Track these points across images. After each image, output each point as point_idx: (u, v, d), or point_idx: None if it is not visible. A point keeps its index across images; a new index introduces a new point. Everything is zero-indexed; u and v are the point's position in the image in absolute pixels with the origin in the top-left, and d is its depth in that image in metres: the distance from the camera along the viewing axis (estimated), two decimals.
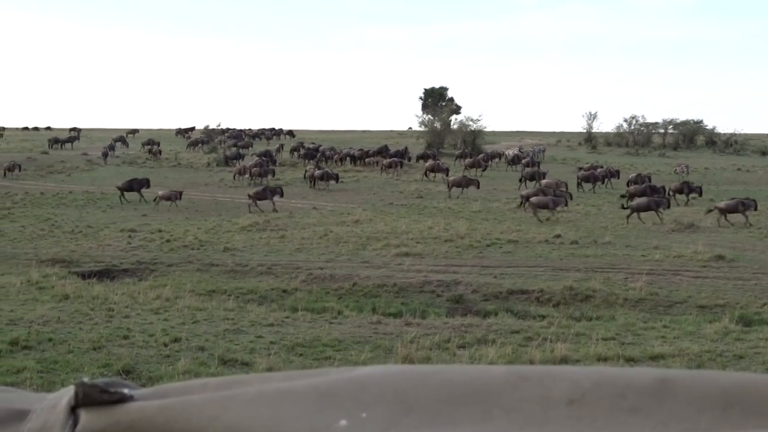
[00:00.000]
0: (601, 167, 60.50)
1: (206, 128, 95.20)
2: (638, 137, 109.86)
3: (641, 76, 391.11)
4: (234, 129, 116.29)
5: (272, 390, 0.71)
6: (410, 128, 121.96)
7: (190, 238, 33.65)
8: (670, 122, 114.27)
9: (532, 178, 54.20)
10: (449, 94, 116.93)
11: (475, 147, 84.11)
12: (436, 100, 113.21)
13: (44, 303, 21.61)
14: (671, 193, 46.31)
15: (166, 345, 17.54)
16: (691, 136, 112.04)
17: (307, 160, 71.59)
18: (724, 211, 37.81)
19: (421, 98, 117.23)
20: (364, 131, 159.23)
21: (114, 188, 49.09)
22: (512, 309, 22.53)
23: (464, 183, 50.65)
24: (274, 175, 59.12)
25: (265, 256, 29.93)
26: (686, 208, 43.60)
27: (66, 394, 0.75)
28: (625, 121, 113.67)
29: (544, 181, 50.57)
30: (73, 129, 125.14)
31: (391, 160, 65.77)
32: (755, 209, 38.65)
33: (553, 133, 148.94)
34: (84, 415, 0.73)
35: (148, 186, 48.50)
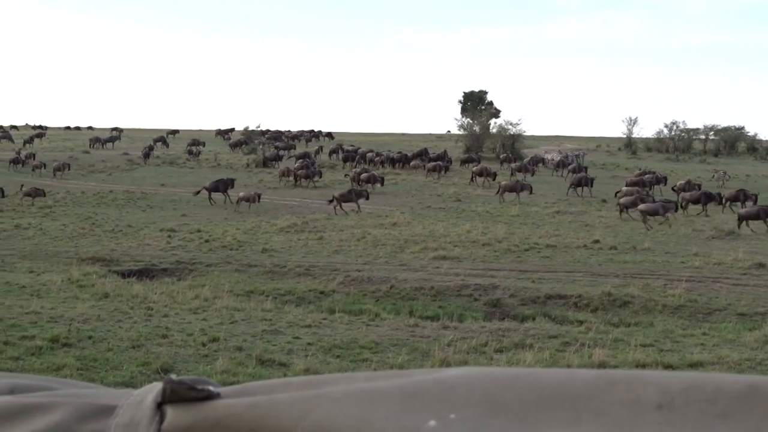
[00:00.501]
0: (654, 173, 59.81)
1: (246, 129, 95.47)
2: (679, 143, 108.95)
3: (682, 82, 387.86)
4: (273, 130, 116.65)
5: (358, 390, 0.71)
6: (449, 131, 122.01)
7: (229, 239, 33.80)
8: (711, 128, 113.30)
9: (579, 184, 53.54)
10: (489, 97, 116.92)
11: (514, 151, 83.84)
12: (475, 103, 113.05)
13: (84, 301, 21.79)
14: (726, 200, 45.68)
15: (204, 344, 17.62)
16: (732, 142, 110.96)
17: (346, 163, 71.64)
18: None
19: (460, 101, 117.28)
20: (402, 134, 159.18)
21: (153, 188, 49.42)
22: (550, 314, 22.46)
23: (518, 188, 50.11)
24: (321, 177, 58.98)
25: (303, 257, 30.00)
26: (725, 215, 43.16)
27: (152, 391, 0.76)
28: (666, 126, 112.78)
29: (624, 188, 49.76)
30: (115, 129, 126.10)
31: (435, 163, 65.35)
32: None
33: (593, 138, 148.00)
34: (170, 412, 0.73)
35: (233, 186, 48.57)
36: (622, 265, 28.64)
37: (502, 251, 31.21)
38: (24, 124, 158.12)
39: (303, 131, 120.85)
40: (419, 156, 74.23)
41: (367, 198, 44.77)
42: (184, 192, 49.97)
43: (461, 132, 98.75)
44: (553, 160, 74.18)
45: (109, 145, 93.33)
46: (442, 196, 51.37)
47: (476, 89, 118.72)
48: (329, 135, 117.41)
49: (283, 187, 56.14)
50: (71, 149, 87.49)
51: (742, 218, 37.68)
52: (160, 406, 0.74)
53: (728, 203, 45.36)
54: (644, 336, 19.33)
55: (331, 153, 79.96)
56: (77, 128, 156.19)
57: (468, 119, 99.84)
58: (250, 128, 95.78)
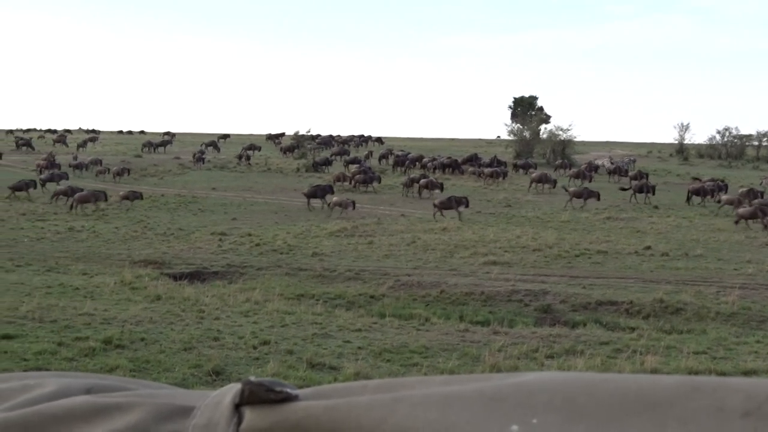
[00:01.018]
0: (720, 180, 58.94)
1: (296, 134, 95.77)
2: (731, 149, 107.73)
3: (735, 87, 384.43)
4: (325, 135, 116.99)
5: (437, 393, 0.70)
6: (498, 137, 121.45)
7: (279, 243, 33.94)
8: (765, 134, 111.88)
9: (640, 190, 52.78)
10: (539, 103, 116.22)
11: (564, 157, 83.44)
12: (525, 109, 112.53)
13: (137, 303, 21.97)
14: None
15: (255, 347, 17.69)
16: None
17: (396, 168, 71.61)
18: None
19: (510, 107, 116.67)
20: (452, 139, 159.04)
21: (204, 192, 49.74)
22: (601, 320, 22.32)
23: (585, 194, 49.50)
24: (380, 182, 58.78)
25: (353, 261, 30.04)
26: None
27: (229, 392, 0.76)
28: (718, 132, 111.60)
29: (725, 197, 49.03)
30: (167, 133, 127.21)
31: (493, 170, 64.93)
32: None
33: (643, 144, 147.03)
34: (248, 413, 0.74)
35: (332, 192, 48.37)
36: (674, 272, 28.39)
37: (553, 257, 31.07)
38: (77, 128, 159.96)
39: (353, 136, 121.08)
40: (469, 161, 74.08)
41: (467, 206, 43.72)
42: (234, 196, 50.24)
43: (511, 137, 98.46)
44: (604, 165, 73.62)
45: (161, 149, 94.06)
46: (492, 202, 51.23)
47: (526, 94, 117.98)
48: (379, 140, 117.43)
49: (336, 191, 56.24)
50: (123, 153, 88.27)
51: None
52: (237, 407, 0.74)
53: None
54: (697, 343, 19.15)
55: (380, 158, 79.97)
56: (129, 132, 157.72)
57: (518, 125, 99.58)
58: (301, 133, 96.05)
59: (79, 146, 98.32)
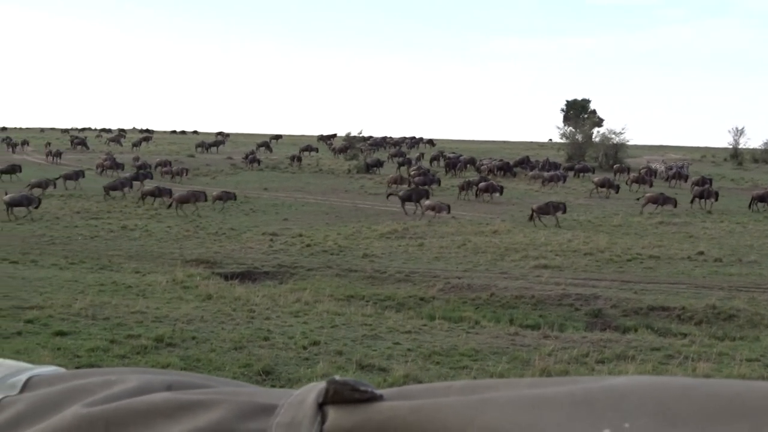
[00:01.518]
0: None
1: (348, 135, 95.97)
2: None
3: None
4: (380, 137, 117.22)
5: (524, 396, 0.69)
6: (550, 140, 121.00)
7: (330, 243, 34.04)
8: None
9: (701, 196, 51.68)
10: (592, 106, 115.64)
11: (617, 160, 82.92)
12: (578, 112, 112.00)
13: (188, 302, 22.12)
14: None
15: (305, 348, 17.73)
16: None
17: (448, 170, 71.47)
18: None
19: (562, 110, 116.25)
20: (504, 141, 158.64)
21: (255, 192, 50.00)
22: (652, 326, 22.12)
23: (661, 200, 48.47)
24: (439, 184, 58.24)
25: (404, 263, 30.05)
26: None
27: (312, 391, 0.76)
28: None
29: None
30: (220, 133, 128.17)
31: (553, 173, 64.43)
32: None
33: (697, 148, 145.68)
34: (332, 412, 0.73)
35: (428, 197, 47.09)
36: (727, 278, 28.11)
37: (604, 261, 30.88)
38: (132, 127, 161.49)
39: (404, 138, 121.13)
40: (521, 164, 73.86)
41: (564, 211, 42.70)
42: (286, 196, 50.44)
43: (563, 140, 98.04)
44: (659, 170, 72.96)
45: (214, 149, 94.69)
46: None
47: (579, 97, 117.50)
48: (430, 142, 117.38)
49: (384, 192, 56.24)
50: (176, 153, 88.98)
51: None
52: (321, 406, 0.74)
53: None
54: (750, 350, 18.93)
55: (432, 160, 79.91)
56: (183, 132, 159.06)
57: (570, 128, 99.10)
58: (352, 134, 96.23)
59: (133, 145, 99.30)
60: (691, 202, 51.40)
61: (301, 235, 36.07)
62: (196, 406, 0.76)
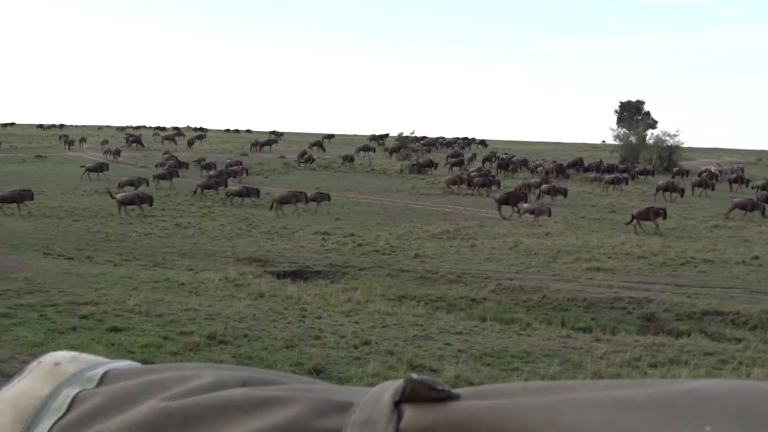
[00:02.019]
0: None
1: (400, 135, 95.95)
2: None
3: None
4: (435, 137, 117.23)
5: (604, 397, 0.68)
6: (604, 141, 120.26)
7: (382, 243, 34.07)
8: None
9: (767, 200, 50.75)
10: (646, 107, 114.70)
11: (671, 163, 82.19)
12: (632, 113, 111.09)
13: (240, 300, 22.25)
14: None
15: (356, 347, 17.77)
16: None
17: (500, 170, 71.24)
18: None
19: (616, 111, 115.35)
20: (556, 143, 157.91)
21: (308, 191, 50.08)
22: (706, 330, 21.91)
23: (750, 206, 46.83)
24: (499, 186, 57.12)
25: (455, 264, 30.01)
26: None
27: (388, 389, 0.75)
28: None
29: None
30: (273, 132, 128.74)
31: (614, 176, 63.55)
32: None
33: (753, 151, 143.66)
34: (409, 411, 0.72)
35: (526, 201, 46.00)
36: None
37: (657, 264, 30.61)
38: (186, 125, 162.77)
39: (457, 138, 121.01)
40: (574, 165, 73.46)
41: (665, 217, 41.07)
42: (338, 196, 50.47)
43: (617, 142, 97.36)
44: (719, 173, 72.15)
45: (267, 148, 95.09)
46: (596, 207, 50.64)
47: (633, 99, 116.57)
48: (483, 142, 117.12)
49: (436, 193, 56.23)
50: (230, 151, 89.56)
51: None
52: (397, 404, 0.72)
53: None
54: None
55: (484, 161, 79.63)
56: (236, 131, 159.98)
57: (624, 129, 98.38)
58: (405, 134, 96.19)
59: (188, 144, 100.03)
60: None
61: (352, 235, 36.13)
62: (272, 403, 0.76)
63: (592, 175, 68.10)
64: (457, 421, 0.69)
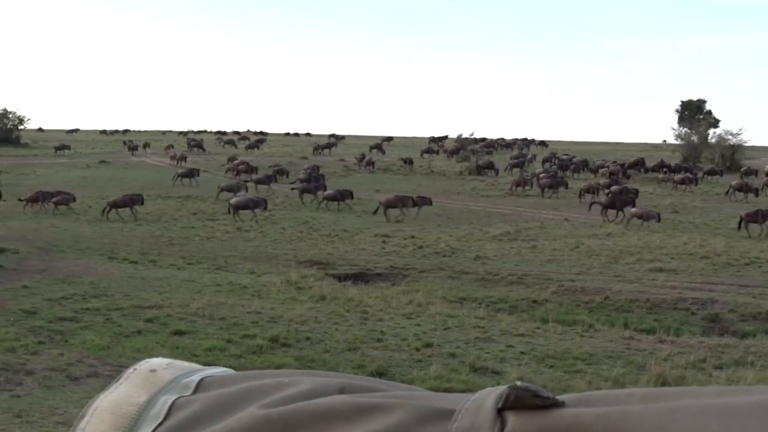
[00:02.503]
0: None
1: (459, 137, 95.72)
2: None
3: None
4: (497, 139, 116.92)
5: (718, 404, 0.65)
6: (664, 141, 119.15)
7: (442, 246, 33.97)
8: None
9: None
10: (707, 106, 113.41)
11: (733, 162, 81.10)
12: (693, 112, 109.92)
13: (302, 303, 22.33)
14: None
15: (418, 349, 17.78)
16: None
17: (560, 171, 70.74)
18: None
19: (677, 111, 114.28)
20: (617, 143, 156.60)
21: (368, 194, 50.20)
22: None
23: None
24: (567, 188, 56.37)
25: (516, 265, 29.86)
26: None
27: (490, 396, 0.73)
28: None
29: None
30: (332, 135, 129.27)
31: (684, 176, 62.60)
32: None
33: None
34: (512, 418, 0.70)
35: (634, 205, 44.29)
36: None
37: (721, 265, 30.22)
38: (246, 129, 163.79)
39: (516, 139, 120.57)
40: (635, 166, 72.76)
41: None
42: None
43: (678, 142, 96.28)
44: None
45: (326, 151, 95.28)
46: (658, 207, 50.00)
47: (694, 98, 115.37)
48: (543, 143, 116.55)
49: (496, 194, 56.02)
50: (290, 155, 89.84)
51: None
52: (500, 411, 0.71)
53: None
54: None
55: (544, 161, 79.17)
56: (296, 134, 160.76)
57: (686, 129, 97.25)
58: (464, 136, 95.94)
59: (248, 147, 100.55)
60: None
61: (413, 237, 36.06)
62: (373, 410, 0.75)
63: (661, 175, 67.13)
64: (562, 429, 0.68)
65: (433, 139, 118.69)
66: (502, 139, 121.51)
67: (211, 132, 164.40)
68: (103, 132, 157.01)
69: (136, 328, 18.61)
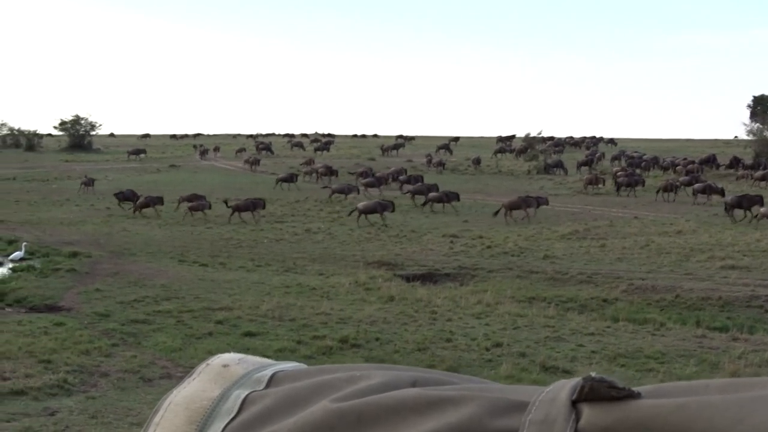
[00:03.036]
0: None
1: (527, 136, 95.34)
2: None
3: None
4: (566, 137, 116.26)
5: None
6: (736, 137, 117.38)
7: (510, 245, 33.82)
8: None
9: None
10: None
11: None
12: (765, 108, 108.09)
13: (371, 303, 22.39)
14: None
15: (487, 349, 17.74)
16: None
17: (629, 169, 70.11)
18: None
19: (749, 106, 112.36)
20: (687, 140, 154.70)
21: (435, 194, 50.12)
22: None
23: None
24: (644, 185, 55.67)
25: (585, 264, 29.63)
26: None
27: (564, 388, 0.72)
28: None
29: None
30: (400, 136, 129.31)
31: (765, 172, 61.11)
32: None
33: None
34: (587, 410, 0.69)
35: (761, 203, 42.04)
36: None
37: None
38: (314, 132, 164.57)
39: (585, 137, 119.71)
40: (707, 162, 71.79)
41: None
42: (465, 198, 50.17)
43: (750, 137, 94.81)
44: None
45: (394, 152, 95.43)
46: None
47: (767, 93, 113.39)
48: (611, 141, 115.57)
49: (564, 193, 55.69)
50: (357, 156, 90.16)
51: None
52: (574, 403, 0.71)
53: None
54: None
55: (613, 159, 78.55)
56: (363, 136, 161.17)
57: (758, 124, 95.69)
58: (531, 135, 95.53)
59: (317, 150, 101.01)
60: None
61: (481, 237, 35.96)
62: (445, 403, 0.75)
63: (740, 171, 66.08)
64: (640, 420, 0.67)
65: (500, 139, 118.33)
66: (571, 137, 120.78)
67: (279, 135, 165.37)
68: (174, 136, 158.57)
69: (207, 330, 18.82)
